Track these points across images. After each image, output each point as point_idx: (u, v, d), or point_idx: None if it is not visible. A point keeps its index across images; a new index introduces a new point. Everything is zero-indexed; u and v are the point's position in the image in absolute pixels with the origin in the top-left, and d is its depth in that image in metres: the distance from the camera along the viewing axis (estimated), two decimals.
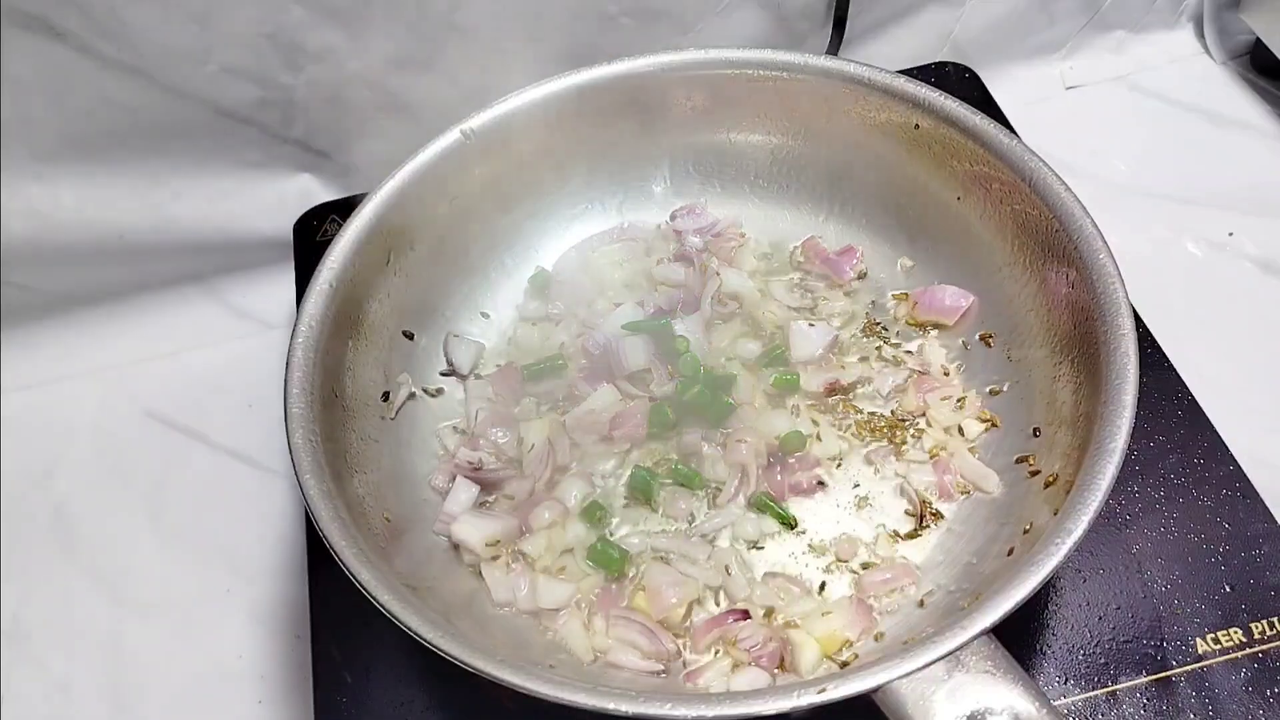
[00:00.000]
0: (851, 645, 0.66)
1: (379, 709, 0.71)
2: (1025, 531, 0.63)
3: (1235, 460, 0.77)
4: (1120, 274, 0.65)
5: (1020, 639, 0.70)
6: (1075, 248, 0.68)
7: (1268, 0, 1.08)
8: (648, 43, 1.02)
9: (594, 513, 0.73)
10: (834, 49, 1.07)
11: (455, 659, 0.54)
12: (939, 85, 0.77)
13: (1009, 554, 0.63)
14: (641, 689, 0.55)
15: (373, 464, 0.72)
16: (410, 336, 0.82)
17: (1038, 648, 0.70)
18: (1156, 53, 1.17)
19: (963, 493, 0.73)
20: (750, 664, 0.65)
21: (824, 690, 0.51)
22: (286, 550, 0.88)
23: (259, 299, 1.07)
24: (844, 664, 0.65)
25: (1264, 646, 0.68)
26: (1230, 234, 1.00)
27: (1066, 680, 0.68)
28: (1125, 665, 0.68)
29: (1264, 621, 0.69)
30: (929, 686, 0.51)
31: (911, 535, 0.72)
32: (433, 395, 0.82)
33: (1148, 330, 0.82)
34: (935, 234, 0.83)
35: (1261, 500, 0.75)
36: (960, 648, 0.52)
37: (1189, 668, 0.68)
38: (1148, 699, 0.67)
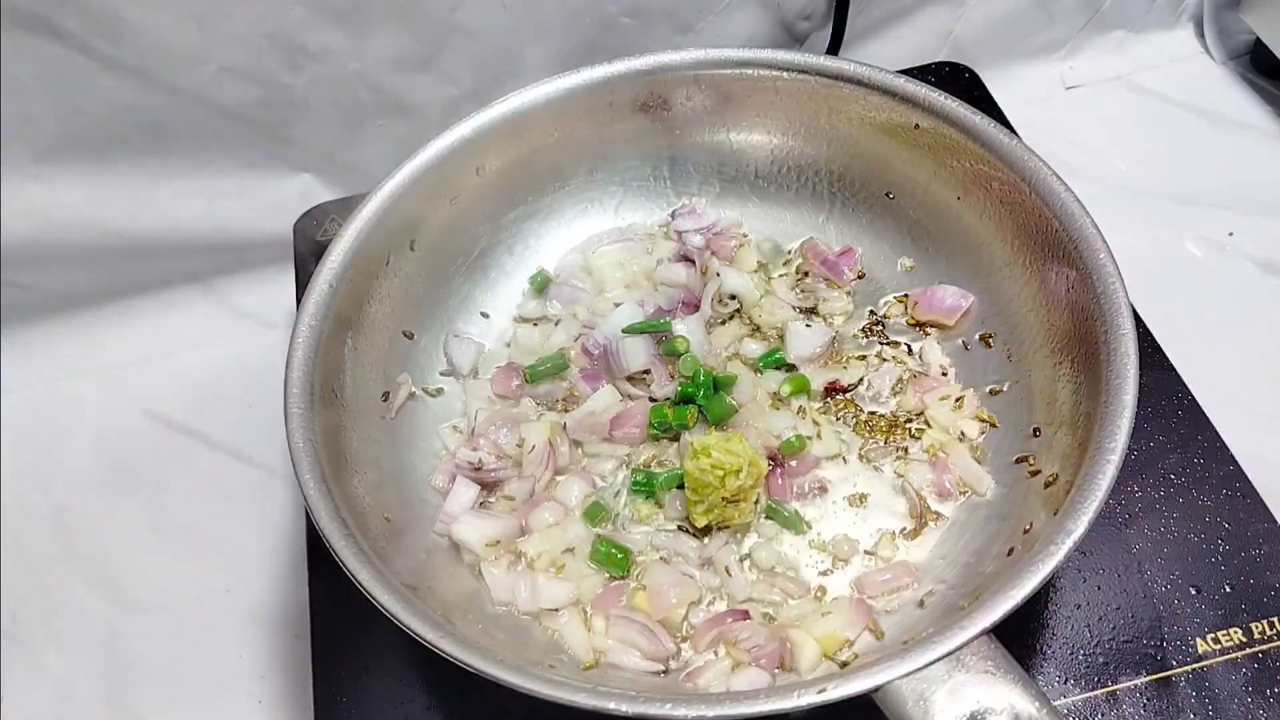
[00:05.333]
0: (851, 645, 0.66)
1: (379, 709, 0.71)
2: (1025, 531, 0.63)
3: (1235, 460, 0.77)
4: (1120, 274, 0.65)
5: (1020, 639, 0.70)
6: (1075, 248, 0.68)
7: (1268, 0, 1.08)
8: (648, 43, 1.02)
9: (596, 514, 0.73)
10: (834, 49, 1.07)
11: (455, 659, 0.54)
12: (939, 85, 0.77)
13: (1009, 554, 0.63)
14: (641, 689, 0.55)
15: (373, 464, 0.72)
16: (410, 336, 0.82)
17: (1038, 648, 0.70)
18: (1156, 53, 1.17)
19: (962, 493, 0.73)
20: (750, 664, 0.65)
21: (824, 690, 0.51)
22: (286, 550, 0.88)
23: (259, 299, 1.07)
24: (844, 664, 0.65)
25: (1264, 646, 0.68)
26: (1230, 234, 1.00)
27: (1066, 680, 0.68)
28: (1125, 665, 0.68)
29: (1264, 621, 0.69)
30: (929, 686, 0.51)
31: (911, 535, 0.72)
32: (433, 395, 0.82)
33: (1148, 330, 0.82)
34: (935, 234, 0.83)
35: (1261, 500, 0.75)
36: (960, 648, 0.52)
37: (1189, 668, 0.68)
38: (1148, 699, 0.67)
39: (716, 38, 1.03)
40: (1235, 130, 1.10)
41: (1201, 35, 1.17)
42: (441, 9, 0.93)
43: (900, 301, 0.84)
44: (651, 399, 0.79)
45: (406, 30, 0.94)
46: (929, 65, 1.07)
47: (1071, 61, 1.18)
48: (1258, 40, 1.12)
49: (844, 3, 1.04)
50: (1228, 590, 0.71)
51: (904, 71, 0.86)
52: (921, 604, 0.67)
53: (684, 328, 0.82)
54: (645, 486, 0.74)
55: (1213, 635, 0.69)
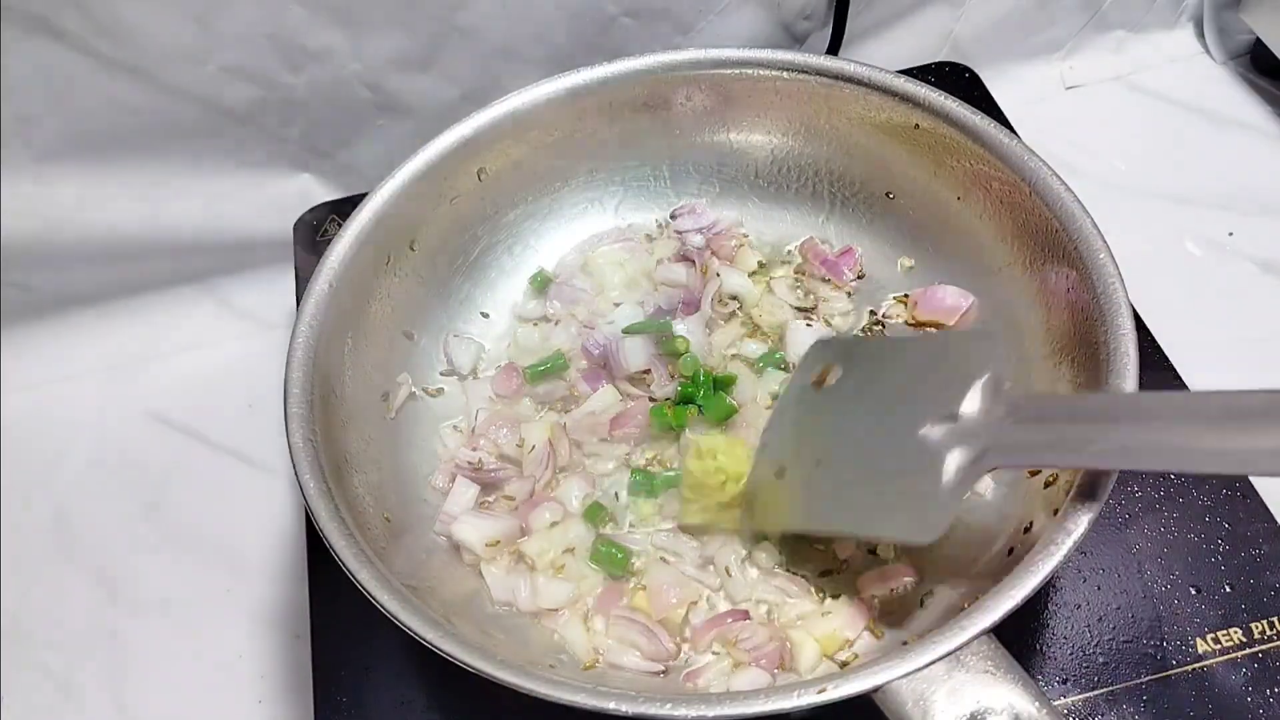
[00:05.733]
0: (851, 645, 0.66)
1: (379, 709, 0.71)
2: (1025, 531, 0.63)
3: None
4: (1120, 274, 0.65)
5: (1020, 639, 0.70)
6: (1075, 248, 0.67)
7: (1268, 0, 1.08)
8: (648, 43, 1.02)
9: (596, 514, 0.73)
10: (834, 49, 1.07)
11: (455, 659, 0.54)
12: (939, 85, 0.77)
13: (1009, 553, 0.63)
14: (641, 689, 0.55)
15: (373, 464, 0.72)
16: (410, 336, 0.82)
17: (1038, 648, 0.70)
18: (1156, 53, 1.17)
19: None
20: (750, 664, 0.65)
21: (824, 690, 0.51)
22: (286, 550, 0.88)
23: (259, 299, 1.07)
24: (844, 664, 0.65)
25: (1264, 646, 0.68)
26: (1230, 234, 1.00)
27: (1066, 680, 0.68)
28: (1125, 665, 0.69)
29: (1264, 621, 0.69)
30: (929, 686, 0.51)
31: None
32: (433, 395, 0.82)
33: (1148, 330, 0.82)
34: (935, 234, 0.83)
35: (1261, 500, 0.75)
36: (960, 648, 0.52)
37: (1189, 668, 0.68)
38: (1148, 699, 0.67)
39: (716, 38, 1.03)
40: (1235, 130, 1.10)
41: (1201, 35, 1.17)
42: (441, 9, 0.93)
43: (900, 301, 0.84)
44: (651, 399, 0.79)
45: (406, 30, 0.94)
46: (929, 65, 1.07)
47: (1071, 61, 1.18)
48: (1258, 40, 1.12)
49: (844, 3, 1.04)
50: (1228, 590, 0.71)
51: (904, 71, 0.86)
52: (921, 604, 0.67)
53: (684, 328, 0.82)
54: (645, 486, 0.74)
55: (1213, 635, 0.69)
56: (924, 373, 0.64)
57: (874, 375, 0.67)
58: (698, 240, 0.88)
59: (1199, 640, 0.69)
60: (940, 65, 1.06)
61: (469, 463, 0.76)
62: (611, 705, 0.52)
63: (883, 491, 0.62)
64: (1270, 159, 1.07)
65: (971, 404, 0.58)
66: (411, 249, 0.80)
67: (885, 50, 1.12)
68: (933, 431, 0.59)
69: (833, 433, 0.67)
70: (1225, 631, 0.69)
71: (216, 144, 0.98)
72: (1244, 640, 0.69)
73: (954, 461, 0.58)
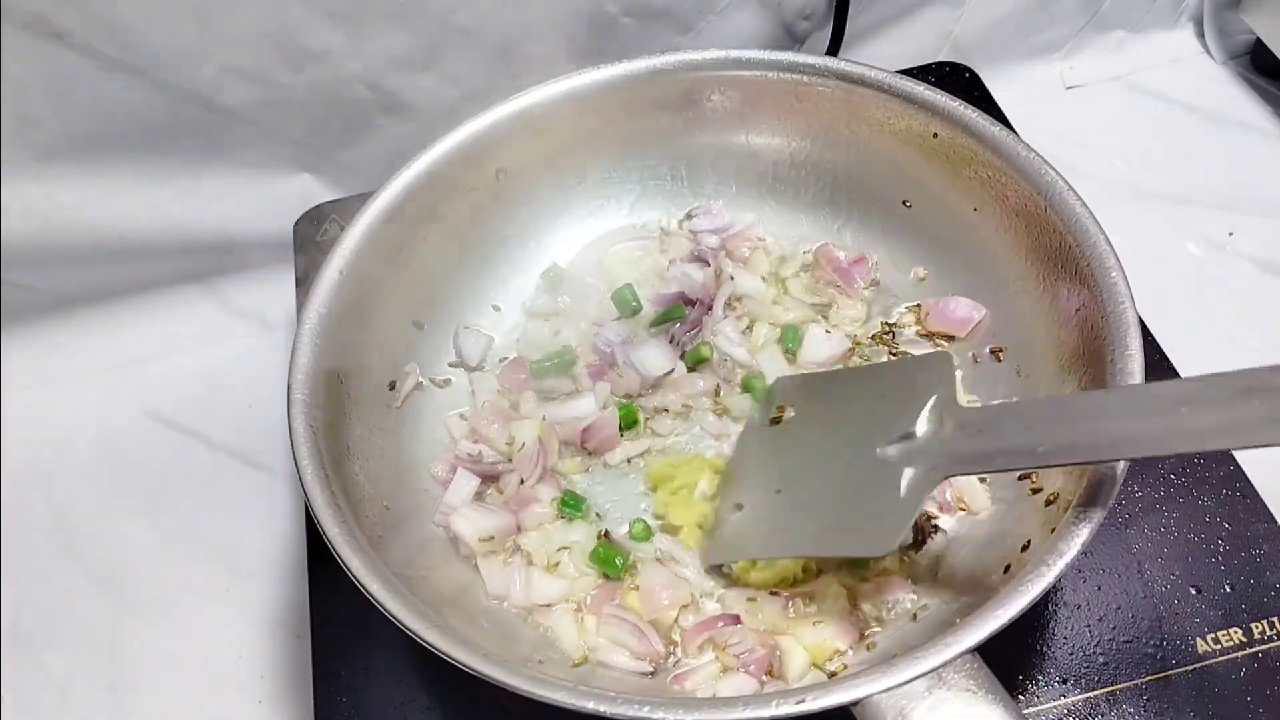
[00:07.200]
0: (842, 655, 0.65)
1: (379, 709, 0.71)
2: (1023, 549, 0.62)
3: (1235, 460, 0.77)
4: (1131, 294, 0.63)
5: (1020, 639, 0.70)
6: (1088, 265, 0.66)
7: (1268, 0, 1.08)
8: (648, 43, 1.02)
9: (574, 507, 0.74)
10: (834, 49, 1.07)
11: (438, 650, 0.54)
12: (939, 85, 0.76)
13: (1005, 571, 0.62)
14: (626, 690, 0.54)
15: (375, 452, 0.72)
16: (420, 326, 0.81)
17: (1037, 648, 0.70)
18: (1156, 53, 1.17)
19: (960, 508, 0.72)
20: (739, 669, 0.64)
21: (803, 701, 0.50)
22: (286, 550, 0.88)
23: (259, 299, 1.06)
24: (832, 674, 0.64)
25: (1264, 646, 0.68)
26: (1230, 234, 1.00)
27: (1066, 680, 0.68)
28: (1125, 665, 0.69)
29: (1264, 621, 0.69)
30: (908, 702, 0.51)
31: (909, 548, 0.71)
32: (440, 386, 0.82)
33: (1148, 330, 0.82)
34: (950, 245, 0.82)
35: (1261, 500, 0.75)
36: (942, 665, 0.51)
37: (1189, 668, 0.68)
38: (1148, 699, 0.67)
39: (716, 37, 1.03)
40: (1235, 130, 1.10)
41: (1201, 35, 1.17)
42: (441, 9, 0.93)
43: (913, 311, 0.83)
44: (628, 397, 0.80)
45: (406, 30, 0.94)
46: (929, 65, 1.06)
47: (1071, 61, 1.17)
48: (1258, 40, 1.12)
49: (844, 3, 1.03)
50: (1228, 590, 0.71)
51: (904, 71, 0.85)
52: (915, 618, 0.66)
53: (708, 332, 0.82)
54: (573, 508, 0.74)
55: (1213, 635, 0.69)
56: (878, 398, 0.67)
57: (830, 405, 0.71)
58: (713, 241, 0.88)
59: (1199, 640, 0.69)
60: (940, 65, 1.06)
61: (469, 455, 0.76)
62: (590, 705, 0.51)
63: (841, 511, 0.65)
64: (1270, 159, 1.07)
65: (924, 422, 0.62)
66: (425, 240, 0.80)
67: (885, 50, 1.12)
68: (888, 451, 0.62)
69: (791, 462, 0.70)
70: (1225, 631, 0.69)
71: (216, 144, 0.98)
72: (1244, 640, 0.69)
73: (909, 475, 0.61)
